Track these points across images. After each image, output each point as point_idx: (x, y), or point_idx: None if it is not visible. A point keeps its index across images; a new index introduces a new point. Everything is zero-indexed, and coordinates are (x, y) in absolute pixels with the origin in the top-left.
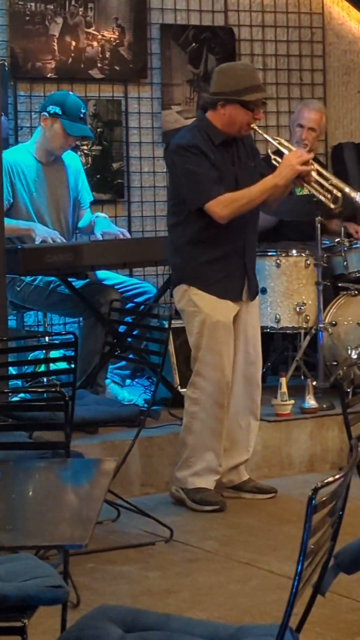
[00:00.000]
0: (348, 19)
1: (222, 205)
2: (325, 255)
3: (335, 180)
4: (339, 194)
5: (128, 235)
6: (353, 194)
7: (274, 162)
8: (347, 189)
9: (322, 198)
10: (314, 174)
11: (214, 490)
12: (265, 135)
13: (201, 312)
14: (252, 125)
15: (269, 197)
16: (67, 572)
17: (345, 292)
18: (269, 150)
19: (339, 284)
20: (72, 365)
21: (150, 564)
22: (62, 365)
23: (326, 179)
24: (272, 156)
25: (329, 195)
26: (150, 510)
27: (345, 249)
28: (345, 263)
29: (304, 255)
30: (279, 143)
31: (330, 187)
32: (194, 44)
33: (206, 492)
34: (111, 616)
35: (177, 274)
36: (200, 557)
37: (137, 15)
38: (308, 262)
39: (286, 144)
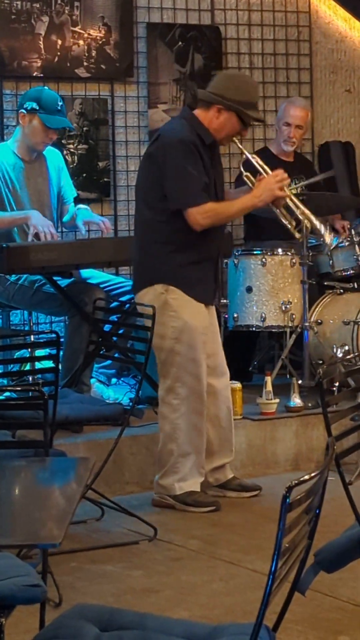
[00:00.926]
0: (335, 17)
1: (205, 215)
2: (310, 254)
3: (304, 210)
4: (308, 225)
5: (109, 225)
6: (319, 226)
7: (245, 178)
8: (315, 222)
9: (288, 225)
10: (287, 200)
11: (201, 491)
12: (245, 152)
13: (180, 317)
14: (234, 139)
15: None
16: (46, 571)
17: (330, 291)
18: (241, 166)
19: (325, 283)
20: (55, 364)
21: (134, 563)
22: (48, 363)
23: (297, 207)
24: (244, 172)
25: (294, 223)
26: (134, 509)
27: (331, 247)
28: (330, 262)
29: (289, 254)
30: (257, 162)
31: (299, 216)
32: (180, 43)
33: (197, 494)
34: (87, 615)
35: (150, 274)
36: (184, 556)
37: (123, 13)
38: (294, 260)
39: (262, 164)
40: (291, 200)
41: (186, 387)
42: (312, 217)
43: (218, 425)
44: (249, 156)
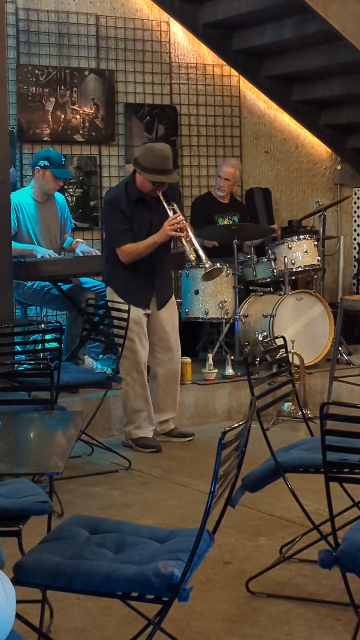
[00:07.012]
0: (257, 100)
1: (124, 254)
2: (240, 267)
3: (197, 247)
4: (193, 257)
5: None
6: (203, 257)
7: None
8: (201, 254)
9: (189, 254)
10: (184, 235)
11: (151, 437)
12: (165, 203)
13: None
14: (156, 191)
15: (155, 248)
16: (52, 491)
17: (254, 293)
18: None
19: (250, 287)
20: (59, 345)
21: (114, 486)
22: (54, 344)
23: (191, 244)
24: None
25: (194, 255)
26: (114, 447)
27: (254, 262)
28: (254, 272)
29: (225, 267)
30: (171, 209)
31: (186, 245)
32: (148, 117)
33: (145, 439)
34: (81, 523)
35: (104, 278)
36: (149, 481)
37: (108, 96)
38: (228, 272)
39: (173, 210)
40: (185, 239)
41: (126, 362)
42: (201, 254)
43: (167, 388)
44: (166, 206)
